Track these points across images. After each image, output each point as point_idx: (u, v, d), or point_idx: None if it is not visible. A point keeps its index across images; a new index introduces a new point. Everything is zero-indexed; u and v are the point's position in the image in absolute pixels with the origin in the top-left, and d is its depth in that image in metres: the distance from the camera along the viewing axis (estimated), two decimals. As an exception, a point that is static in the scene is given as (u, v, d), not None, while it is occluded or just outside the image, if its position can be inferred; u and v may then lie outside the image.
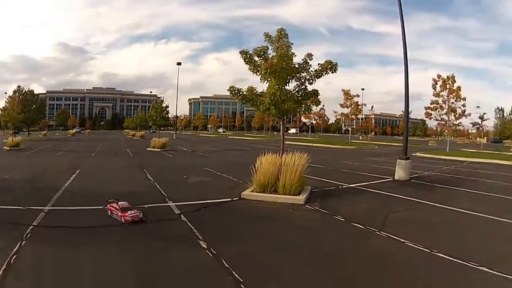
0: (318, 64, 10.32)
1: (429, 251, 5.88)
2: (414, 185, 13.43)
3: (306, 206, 8.86)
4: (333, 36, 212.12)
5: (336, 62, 10.30)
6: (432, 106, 35.40)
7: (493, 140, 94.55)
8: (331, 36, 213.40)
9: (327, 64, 10.24)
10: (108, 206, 7.43)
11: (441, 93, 34.64)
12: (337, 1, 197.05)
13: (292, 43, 10.15)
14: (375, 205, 9.76)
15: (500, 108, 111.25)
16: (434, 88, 34.79)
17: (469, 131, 75.66)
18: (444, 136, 46.93)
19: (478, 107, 46.96)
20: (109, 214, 7.28)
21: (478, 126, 50.82)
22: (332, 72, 10.34)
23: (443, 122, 36.12)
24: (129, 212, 6.92)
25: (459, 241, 6.77)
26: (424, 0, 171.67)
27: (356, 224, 7.33)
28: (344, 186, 12.18)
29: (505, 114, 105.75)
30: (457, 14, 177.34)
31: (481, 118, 47.98)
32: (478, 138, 72.12)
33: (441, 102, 34.83)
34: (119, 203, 7.26)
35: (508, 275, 4.96)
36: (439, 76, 34.77)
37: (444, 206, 9.57)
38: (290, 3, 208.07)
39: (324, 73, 10.30)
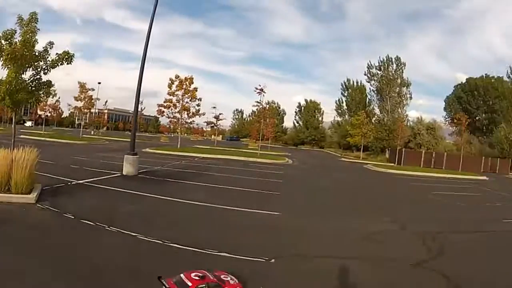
0: (56, 53, 9.90)
1: (162, 242, 6.24)
2: (142, 179, 14.14)
3: (37, 205, 8.35)
4: (85, 25, 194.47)
5: (73, 53, 10.15)
6: (165, 104, 37.69)
7: (229, 138, 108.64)
8: (83, 26, 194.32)
9: (64, 54, 9.97)
10: None
11: (176, 93, 37.30)
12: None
13: (39, 29, 9.45)
14: (104, 200, 9.94)
15: (239, 110, 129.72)
16: (170, 87, 37.22)
17: (204, 129, 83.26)
18: (176, 133, 50.51)
19: (214, 107, 52.72)
20: None
21: (213, 125, 55.47)
22: (67, 63, 10.11)
23: (175, 120, 38.86)
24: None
25: (192, 230, 7.39)
26: (182, 4, 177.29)
27: (86, 221, 7.30)
28: (73, 183, 11.74)
29: (244, 116, 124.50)
30: (211, 23, 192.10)
31: (217, 117, 52.99)
32: (213, 136, 79.50)
33: (175, 101, 37.53)
34: (198, 275, 3.97)
35: (244, 257, 5.78)
36: (176, 77, 37.44)
37: (172, 199, 10.37)
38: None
39: (60, 64, 9.94)
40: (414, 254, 6.91)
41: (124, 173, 14.74)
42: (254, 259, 5.77)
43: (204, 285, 3.83)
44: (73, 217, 7.61)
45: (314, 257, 6.33)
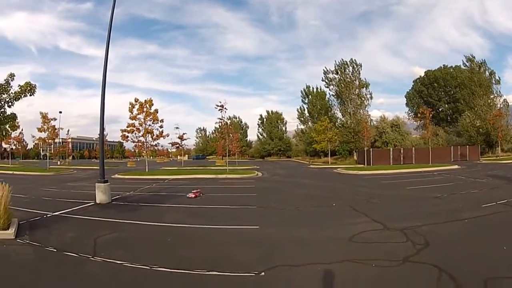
0: (19, 85, 9.69)
1: (149, 267, 6.15)
2: (116, 206, 13.87)
3: (17, 240, 8.18)
4: (41, 55, 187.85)
5: (35, 84, 10.03)
6: (128, 128, 37.01)
7: (196, 157, 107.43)
8: (38, 55, 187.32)
9: (26, 86, 9.82)
10: None
11: (137, 116, 36.72)
12: (53, 18, 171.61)
13: None
14: (83, 231, 9.60)
15: (202, 128, 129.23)
16: (131, 111, 36.58)
17: (169, 150, 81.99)
18: (142, 156, 49.82)
19: (177, 127, 51.59)
20: None
21: (177, 145, 54.52)
22: (30, 95, 9.91)
23: (140, 144, 38.16)
24: None
25: (177, 253, 7.25)
26: (134, 27, 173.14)
27: (70, 253, 7.15)
28: (49, 215, 11.47)
29: (207, 133, 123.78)
30: (165, 43, 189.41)
31: (181, 138, 52.12)
32: (179, 156, 78.38)
33: (138, 125, 36.90)
34: None
35: (235, 273, 5.80)
36: (136, 100, 36.93)
37: (150, 223, 10.22)
38: (10, 15, 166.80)
39: (23, 96, 9.73)
40: (400, 250, 6.94)
41: (97, 201, 14.41)
42: (245, 274, 5.79)
43: None
44: (55, 250, 7.44)
45: (302, 265, 6.24)
